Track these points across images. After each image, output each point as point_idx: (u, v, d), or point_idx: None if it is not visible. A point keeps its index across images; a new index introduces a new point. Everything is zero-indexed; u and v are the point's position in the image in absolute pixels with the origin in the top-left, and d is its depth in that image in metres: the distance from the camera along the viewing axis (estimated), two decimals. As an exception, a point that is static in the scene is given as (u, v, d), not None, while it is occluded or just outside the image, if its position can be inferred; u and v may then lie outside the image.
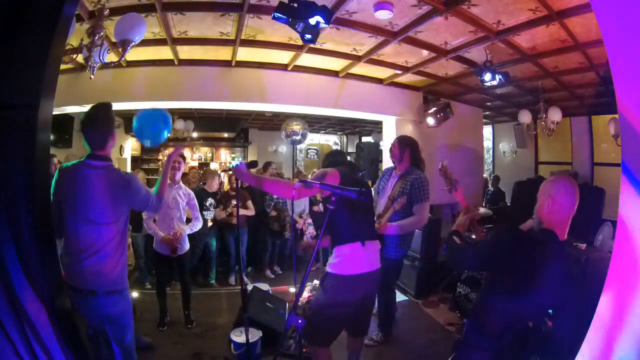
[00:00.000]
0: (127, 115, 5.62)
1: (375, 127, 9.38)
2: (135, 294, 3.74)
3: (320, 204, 4.80)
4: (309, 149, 11.73)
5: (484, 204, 6.87)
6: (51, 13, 1.31)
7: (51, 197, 1.70)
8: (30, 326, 1.32)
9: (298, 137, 7.13)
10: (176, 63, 4.30)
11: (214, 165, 10.58)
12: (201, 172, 6.23)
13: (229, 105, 5.49)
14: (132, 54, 3.67)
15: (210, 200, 4.33)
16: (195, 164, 10.15)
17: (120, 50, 2.46)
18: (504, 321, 1.50)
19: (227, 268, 4.73)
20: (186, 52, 4.12)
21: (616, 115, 1.74)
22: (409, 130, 5.49)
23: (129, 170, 7.68)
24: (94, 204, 1.76)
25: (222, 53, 4.19)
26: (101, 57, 2.40)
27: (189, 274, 3.55)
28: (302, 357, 1.76)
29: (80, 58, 2.50)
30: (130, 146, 8.82)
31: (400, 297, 4.05)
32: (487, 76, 3.76)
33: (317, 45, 3.70)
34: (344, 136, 12.06)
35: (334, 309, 2.00)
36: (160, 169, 8.81)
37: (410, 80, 5.25)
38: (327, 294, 2.05)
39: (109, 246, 1.78)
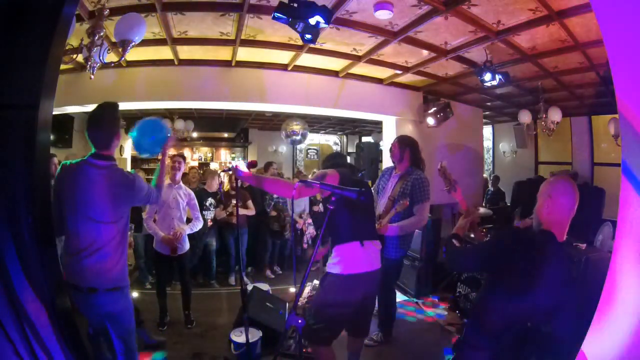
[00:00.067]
0: (128, 116, 5.64)
1: (375, 127, 9.37)
2: (135, 294, 3.74)
3: (320, 204, 4.80)
4: (309, 149, 11.73)
5: (483, 204, 6.86)
6: (51, 13, 1.31)
7: (52, 193, 1.71)
8: (30, 326, 1.32)
9: (298, 137, 7.13)
10: (176, 63, 4.30)
11: (214, 165, 10.58)
12: (201, 172, 6.23)
13: (229, 105, 5.49)
14: (132, 54, 3.67)
15: (210, 200, 4.34)
16: (195, 164, 10.15)
17: (120, 50, 2.46)
18: (504, 321, 1.51)
19: (227, 268, 4.73)
20: (186, 52, 4.12)
21: (616, 115, 1.74)
22: (409, 130, 5.49)
23: (129, 170, 7.68)
24: (95, 202, 1.76)
25: (222, 53, 4.19)
26: (101, 57, 2.40)
27: (189, 274, 3.55)
28: (302, 357, 1.76)
29: (80, 58, 2.50)
30: (130, 146, 8.82)
31: (400, 297, 4.05)
32: (487, 76, 3.76)
33: (317, 45, 3.69)
34: (344, 136, 12.06)
35: (334, 309, 2.00)
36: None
37: (410, 80, 5.26)
38: (326, 294, 2.05)
39: (110, 245, 1.79)
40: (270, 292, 3.74)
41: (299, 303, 1.68)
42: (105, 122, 1.86)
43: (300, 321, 1.53)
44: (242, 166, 1.99)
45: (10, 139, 1.29)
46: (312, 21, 2.48)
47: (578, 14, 2.81)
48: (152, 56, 4.18)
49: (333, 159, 2.41)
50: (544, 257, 1.43)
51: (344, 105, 5.10)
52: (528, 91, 5.36)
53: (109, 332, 1.85)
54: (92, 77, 2.52)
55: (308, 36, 2.61)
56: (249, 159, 2.49)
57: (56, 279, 1.47)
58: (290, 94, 4.79)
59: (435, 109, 5.41)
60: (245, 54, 4.17)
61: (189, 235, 3.43)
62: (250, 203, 4.51)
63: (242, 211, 4.34)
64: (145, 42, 3.09)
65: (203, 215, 3.83)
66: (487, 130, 8.84)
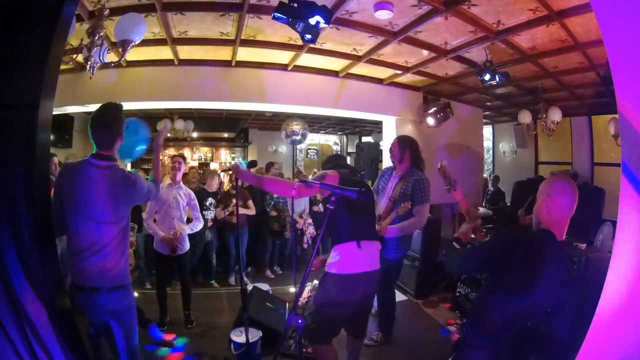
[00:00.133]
0: (128, 116, 5.65)
1: (375, 127, 9.37)
2: (135, 294, 3.74)
3: (320, 204, 4.81)
4: (309, 149, 11.73)
5: (483, 204, 6.87)
6: (51, 13, 1.30)
7: (53, 193, 1.71)
8: (30, 326, 1.32)
9: (298, 137, 7.13)
10: (176, 63, 4.30)
11: (214, 165, 10.59)
12: (201, 172, 6.23)
13: (229, 105, 5.49)
14: (132, 54, 3.67)
15: (210, 200, 4.34)
16: (195, 164, 10.15)
17: (120, 50, 2.46)
18: (504, 321, 1.51)
19: (227, 268, 4.73)
20: (186, 52, 4.12)
21: (616, 115, 1.74)
22: (408, 130, 5.49)
23: (128, 170, 7.68)
24: (97, 202, 1.76)
25: (222, 53, 4.19)
26: (101, 57, 2.40)
27: (189, 274, 3.55)
28: (302, 357, 1.76)
29: (80, 58, 2.50)
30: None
31: (400, 297, 4.05)
32: (487, 76, 3.76)
33: (317, 45, 3.69)
34: (344, 136, 12.06)
35: (332, 309, 2.00)
36: (161, 168, 8.81)
37: (410, 80, 5.25)
38: (325, 293, 2.05)
39: (111, 245, 1.79)
40: (270, 292, 3.74)
41: (299, 303, 1.68)
42: (109, 122, 1.86)
43: (300, 321, 1.53)
44: (243, 166, 1.99)
45: (10, 139, 1.29)
46: (312, 21, 2.48)
47: (578, 14, 2.80)
48: (152, 56, 4.18)
49: (333, 160, 2.41)
50: (543, 256, 1.43)
51: (344, 105, 5.09)
52: (528, 91, 5.36)
53: (112, 331, 1.85)
54: (92, 77, 2.52)
55: (308, 36, 2.61)
56: (249, 159, 2.49)
57: (56, 279, 1.47)
58: (290, 94, 4.78)
59: (435, 109, 5.41)
60: (245, 54, 4.17)
61: (189, 235, 3.44)
62: (250, 203, 4.51)
63: (242, 210, 4.34)
64: (145, 42, 3.09)
65: (203, 215, 3.83)
66: (487, 130, 8.84)
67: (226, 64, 4.42)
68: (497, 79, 3.76)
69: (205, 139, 10.59)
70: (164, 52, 4.04)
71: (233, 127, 9.85)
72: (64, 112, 5.21)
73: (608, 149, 6.21)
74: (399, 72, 4.73)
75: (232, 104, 5.26)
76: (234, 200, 4.23)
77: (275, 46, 3.88)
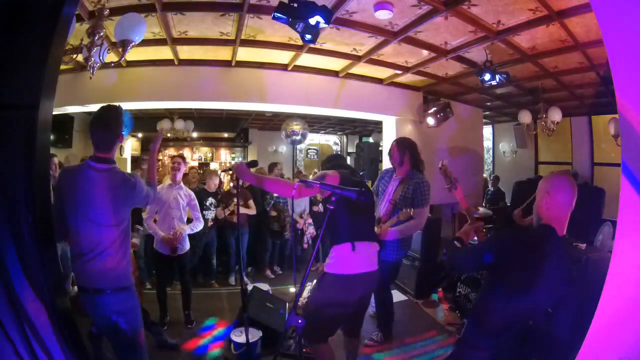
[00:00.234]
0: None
1: (376, 127, 9.37)
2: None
3: (320, 204, 4.80)
4: (309, 149, 11.73)
5: (484, 204, 6.87)
6: (51, 13, 1.30)
7: (53, 196, 1.71)
8: (30, 326, 1.32)
9: (298, 137, 7.12)
10: (176, 63, 4.30)
11: (214, 165, 10.59)
12: (201, 172, 6.23)
13: (229, 105, 5.49)
14: (132, 54, 3.67)
15: (210, 200, 4.34)
16: (195, 164, 10.15)
17: (120, 50, 2.46)
18: (504, 320, 1.51)
19: (227, 268, 4.73)
20: (186, 52, 4.12)
21: (616, 115, 1.74)
22: (408, 130, 5.49)
23: (128, 170, 7.68)
24: (97, 205, 1.76)
25: (222, 53, 4.19)
26: (101, 57, 2.40)
27: (189, 274, 3.55)
28: (302, 357, 1.76)
29: (80, 58, 2.50)
30: (130, 146, 8.82)
31: (400, 297, 4.05)
32: (487, 76, 3.76)
33: (317, 45, 3.69)
34: (344, 136, 12.05)
35: (330, 308, 2.00)
36: (160, 168, 8.83)
37: (410, 80, 5.25)
38: (323, 293, 2.05)
39: (112, 248, 1.79)
40: (270, 292, 3.74)
41: (299, 303, 1.68)
42: (109, 124, 1.86)
43: (300, 321, 1.53)
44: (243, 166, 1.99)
45: (10, 139, 1.29)
46: (312, 21, 2.48)
47: (578, 14, 2.80)
48: (152, 56, 4.18)
49: (333, 160, 2.41)
50: (544, 251, 1.43)
51: (344, 105, 5.09)
52: (528, 91, 5.36)
53: (116, 331, 1.85)
54: (92, 77, 2.52)
55: (308, 36, 2.61)
56: (249, 159, 2.49)
57: (56, 279, 1.47)
58: (290, 94, 4.78)
59: (435, 109, 5.41)
60: (245, 54, 4.17)
61: (189, 236, 3.44)
62: (251, 202, 4.51)
63: (243, 210, 4.34)
64: (145, 42, 3.08)
65: (203, 215, 3.83)
66: (487, 130, 8.84)
67: (226, 64, 4.42)
68: (497, 79, 3.76)
69: (205, 139, 10.59)
70: (164, 52, 4.04)
71: (233, 127, 9.84)
72: (64, 112, 5.20)
73: (608, 149, 6.21)
74: (399, 72, 4.73)
75: (232, 104, 5.26)
76: (235, 200, 4.24)
77: (275, 46, 3.88)
